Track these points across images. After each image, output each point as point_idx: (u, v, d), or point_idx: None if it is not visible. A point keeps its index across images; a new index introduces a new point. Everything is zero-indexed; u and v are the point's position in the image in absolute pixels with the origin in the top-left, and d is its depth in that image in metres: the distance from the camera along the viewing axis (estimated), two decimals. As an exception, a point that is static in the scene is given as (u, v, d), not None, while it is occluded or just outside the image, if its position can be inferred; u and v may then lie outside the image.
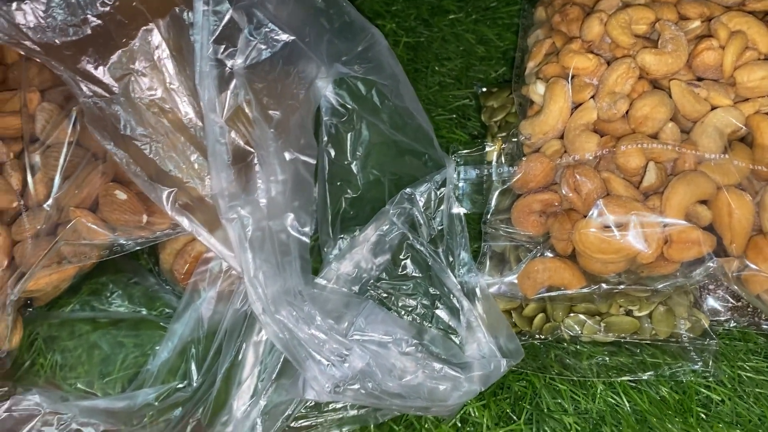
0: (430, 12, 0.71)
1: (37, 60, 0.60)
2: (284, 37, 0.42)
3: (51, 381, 0.58)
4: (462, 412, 0.53)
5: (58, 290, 0.58)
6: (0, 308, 0.53)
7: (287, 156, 0.43)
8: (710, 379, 0.53)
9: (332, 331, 0.46)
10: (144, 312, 0.59)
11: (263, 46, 0.42)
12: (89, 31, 0.45)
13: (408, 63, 0.68)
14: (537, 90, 0.54)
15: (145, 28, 0.46)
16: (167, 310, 0.58)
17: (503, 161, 0.54)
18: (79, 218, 0.52)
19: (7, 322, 0.53)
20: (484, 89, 0.65)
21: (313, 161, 0.44)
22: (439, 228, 0.52)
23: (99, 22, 0.45)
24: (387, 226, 0.51)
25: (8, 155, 0.57)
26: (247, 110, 0.42)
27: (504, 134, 0.58)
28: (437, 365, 0.47)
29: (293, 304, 0.45)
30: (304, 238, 0.44)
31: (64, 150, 0.55)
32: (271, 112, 0.42)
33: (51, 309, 0.60)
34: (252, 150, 0.44)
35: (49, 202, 0.54)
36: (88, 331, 0.58)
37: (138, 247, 0.52)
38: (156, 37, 0.46)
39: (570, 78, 0.52)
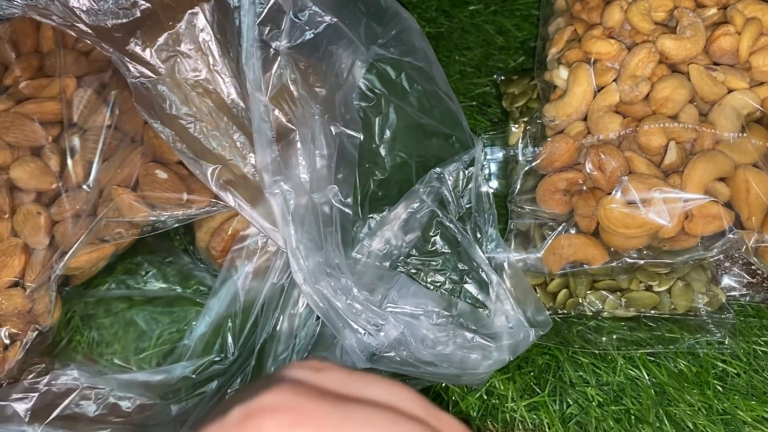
0: (451, 3, 0.73)
1: (73, 48, 0.63)
2: (327, 18, 0.44)
3: (88, 357, 0.59)
4: (488, 384, 0.56)
5: (95, 269, 0.60)
6: (44, 284, 0.55)
7: (333, 130, 0.45)
8: (726, 353, 0.56)
9: (368, 302, 0.48)
10: (179, 290, 0.61)
11: (307, 28, 0.44)
12: (138, 14, 0.47)
13: (430, 52, 0.71)
14: (560, 75, 0.56)
15: (190, 11, 0.48)
16: (201, 288, 0.60)
17: (528, 143, 0.56)
18: (122, 195, 0.53)
19: (50, 298, 0.55)
20: (504, 77, 0.67)
21: (358, 135, 0.46)
22: (467, 206, 0.54)
23: (147, 5, 0.47)
24: (417, 204, 0.53)
25: (47, 139, 0.59)
26: (292, 88, 0.44)
27: (526, 119, 0.60)
28: (468, 334, 0.49)
29: (332, 275, 0.47)
30: (346, 210, 0.46)
31: (103, 133, 0.57)
32: (317, 89, 0.44)
33: (87, 288, 0.61)
34: (294, 128, 0.46)
35: (90, 182, 0.56)
36: (123, 308, 0.60)
37: (177, 224, 0.54)
38: (201, 20, 0.48)
39: (592, 63, 0.54)
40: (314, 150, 0.44)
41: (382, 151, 0.58)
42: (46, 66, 0.62)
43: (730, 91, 0.52)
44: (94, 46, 0.62)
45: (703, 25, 0.53)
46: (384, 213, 0.55)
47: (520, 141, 0.56)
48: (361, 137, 0.46)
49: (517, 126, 0.57)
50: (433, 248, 0.54)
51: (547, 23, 0.63)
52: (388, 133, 0.58)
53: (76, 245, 0.54)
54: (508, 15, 0.73)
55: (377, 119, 0.58)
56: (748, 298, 0.56)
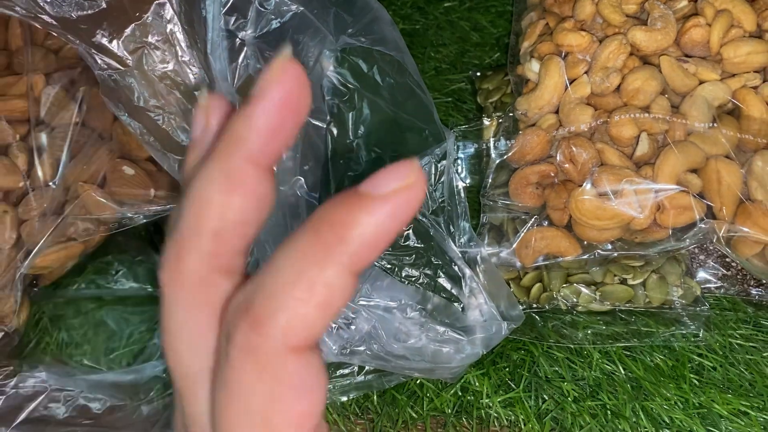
0: (425, 0, 0.73)
1: (42, 45, 0.62)
2: (293, 7, 0.44)
3: (57, 358, 0.58)
4: (462, 380, 0.55)
5: (64, 269, 0.59)
6: (8, 283, 0.54)
7: (298, 119, 0.44)
8: (702, 347, 0.55)
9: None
10: (149, 289, 0.60)
11: (273, 17, 0.44)
12: (104, 5, 0.46)
13: (405, 49, 0.70)
14: (532, 68, 0.56)
15: (157, 2, 0.47)
16: (173, 287, 0.59)
17: (500, 137, 0.56)
18: (88, 192, 0.53)
19: (16, 297, 0.54)
20: (479, 73, 0.67)
21: (322, 125, 0.46)
22: (440, 200, 0.54)
23: (113, -5, 0.46)
24: (389, 199, 0.53)
25: (14, 137, 0.58)
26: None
27: (500, 114, 0.60)
28: (440, 328, 0.48)
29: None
30: (313, 201, 0.46)
31: (70, 131, 0.56)
32: (282, 78, 0.43)
33: (56, 288, 0.60)
34: (261, 119, 0.45)
35: (57, 180, 0.55)
36: (93, 308, 0.59)
37: (145, 220, 0.53)
38: (168, 11, 0.47)
39: (564, 55, 0.54)
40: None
41: (357, 147, 0.58)
42: (14, 64, 0.61)
43: (701, 82, 0.52)
44: (63, 43, 0.61)
45: (674, 17, 0.53)
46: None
47: (492, 135, 0.56)
48: (325, 126, 0.45)
49: (489, 120, 0.57)
50: (407, 243, 0.54)
51: (520, 18, 0.63)
52: (362, 128, 0.58)
53: (41, 243, 0.53)
54: (483, 12, 0.73)
55: (351, 114, 0.57)
56: (723, 291, 0.56)
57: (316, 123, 0.45)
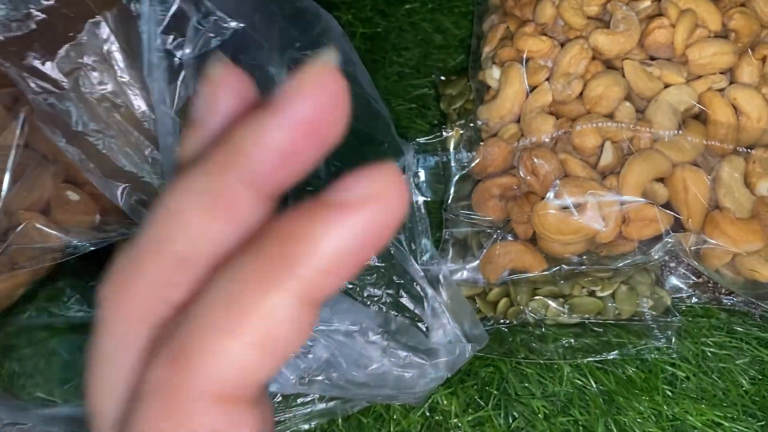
0: (386, 2, 0.71)
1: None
2: (233, 24, 0.41)
3: (9, 391, 0.56)
4: (430, 400, 0.53)
5: (13, 298, 0.57)
6: (-48, 317, 0.52)
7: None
8: (675, 357, 0.54)
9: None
10: (104, 315, 0.57)
11: (212, 35, 0.41)
12: (34, 26, 0.43)
13: (365, 54, 0.68)
14: (493, 75, 0.54)
15: (92, 20, 0.45)
16: (128, 312, 0.57)
17: (462, 148, 0.54)
18: (30, 221, 0.50)
19: (-41, 331, 0.52)
20: (443, 78, 0.65)
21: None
22: (401, 216, 0.52)
23: (43, 16, 0.43)
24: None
25: (-47, 159, 0.55)
26: (198, 101, 0.41)
27: (462, 121, 0.58)
28: (402, 353, 0.46)
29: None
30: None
31: (13, 153, 0.53)
32: (221, 101, 0.41)
33: (5, 317, 0.58)
34: (206, 142, 0.43)
35: None
36: (46, 337, 0.56)
37: (92, 248, 0.51)
38: (104, 30, 0.45)
39: (524, 61, 0.52)
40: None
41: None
42: (-48, 81, 0.59)
43: (666, 86, 0.50)
44: (7, 60, 0.58)
45: (638, 18, 0.52)
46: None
47: (453, 147, 0.54)
48: None
49: (451, 130, 0.55)
50: (367, 262, 0.52)
51: (482, 20, 0.60)
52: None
53: (-17, 275, 0.50)
54: (447, 13, 0.70)
55: (307, 127, 0.55)
56: (695, 299, 0.55)
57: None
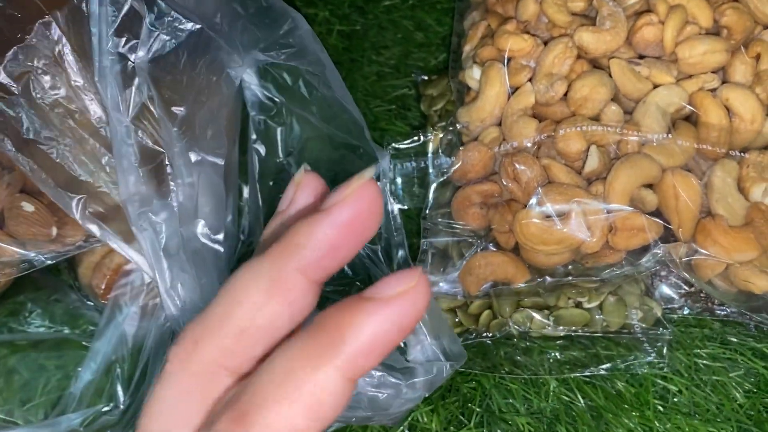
0: (365, -1, 0.68)
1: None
2: (189, 25, 0.38)
3: (-33, 411, 0.53)
4: (410, 418, 0.51)
5: (-29, 312, 0.54)
6: None
7: (193, 157, 0.39)
8: (666, 370, 0.51)
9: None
10: (66, 331, 0.55)
11: (167, 37, 0.38)
12: (-24, 27, 0.41)
13: (343, 52, 0.65)
14: (473, 75, 0.51)
15: (41, 21, 0.42)
16: (91, 328, 0.54)
17: (441, 152, 0.51)
18: (-17, 234, 0.47)
19: None
20: (424, 77, 0.62)
21: (221, 162, 0.41)
22: (376, 226, 0.49)
23: (-13, 16, 0.41)
24: (321, 226, 0.48)
25: None
26: (151, 108, 0.38)
27: (443, 124, 0.55)
28: (377, 372, 0.44)
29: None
30: (217, 247, 0.41)
31: (-35, 162, 0.50)
32: (174, 108, 0.38)
33: (-36, 334, 0.55)
34: (162, 150, 0.40)
35: (-47, 217, 0.50)
36: (5, 354, 0.54)
37: (49, 262, 0.48)
38: (55, 31, 0.42)
39: (506, 61, 0.49)
40: (177, 178, 0.38)
41: (288, 166, 0.53)
42: None
43: (655, 86, 0.48)
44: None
45: (625, 14, 0.49)
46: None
47: (432, 151, 0.51)
48: (223, 163, 0.40)
49: (430, 134, 0.52)
50: (342, 275, 0.49)
51: (462, 17, 0.58)
52: (292, 145, 0.53)
53: (-66, 291, 0.47)
54: (428, 9, 0.68)
55: (279, 130, 0.52)
56: (687, 310, 0.52)
57: (213, 159, 0.40)
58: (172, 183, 0.40)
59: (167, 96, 0.37)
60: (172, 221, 0.40)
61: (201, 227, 0.40)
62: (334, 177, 0.53)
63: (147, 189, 0.40)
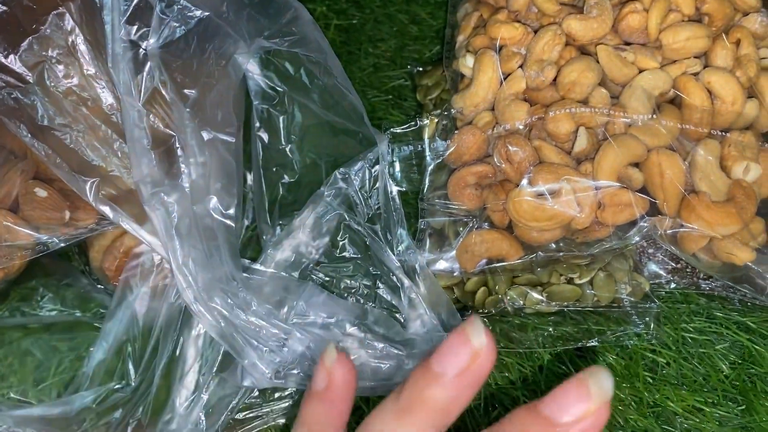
0: (362, -7, 0.70)
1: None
2: (198, 13, 0.41)
3: (-19, 393, 0.55)
4: (410, 392, 0.53)
5: (-17, 298, 0.56)
6: None
7: (205, 136, 0.41)
8: (655, 343, 0.54)
9: (270, 316, 0.45)
10: (78, 314, 0.56)
11: (177, 24, 0.41)
12: (-6, 19, 0.43)
13: (341, 45, 0.67)
14: (467, 63, 0.53)
15: (55, 12, 0.44)
16: (102, 311, 0.56)
17: (437, 137, 0.53)
18: (-1, 219, 0.49)
19: (-70, 332, 0.51)
20: (419, 69, 0.65)
21: (232, 139, 0.43)
22: (376, 207, 0.51)
23: (4, 8, 0.43)
24: (323, 209, 0.50)
25: None
26: (163, 91, 0.40)
27: (438, 112, 0.58)
28: (379, 344, 0.46)
29: (227, 290, 0.44)
30: (228, 222, 0.43)
31: (-20, 150, 0.52)
32: (186, 91, 0.40)
33: (-23, 319, 0.57)
34: (173, 133, 0.42)
35: (-32, 204, 0.52)
36: (18, 337, 0.55)
37: (62, 245, 0.50)
38: (68, 22, 0.44)
39: (498, 48, 0.51)
40: (189, 158, 0.40)
41: (290, 153, 0.55)
42: None
43: (640, 71, 0.50)
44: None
45: (610, 3, 0.51)
46: (292, 220, 0.52)
47: (428, 136, 0.53)
48: (234, 140, 0.43)
49: (427, 119, 0.54)
50: (343, 253, 0.51)
51: (455, 9, 0.60)
52: (294, 132, 0.55)
53: (-48, 274, 0.49)
54: (422, 3, 0.70)
55: (282, 119, 0.55)
56: (674, 285, 0.54)
57: (224, 137, 0.42)
58: (183, 164, 0.42)
59: (179, 79, 0.39)
60: (182, 201, 0.42)
61: (213, 203, 0.42)
62: (334, 161, 0.56)
63: (159, 170, 0.42)
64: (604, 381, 0.20)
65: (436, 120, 0.56)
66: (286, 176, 0.55)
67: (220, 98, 0.42)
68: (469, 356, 0.22)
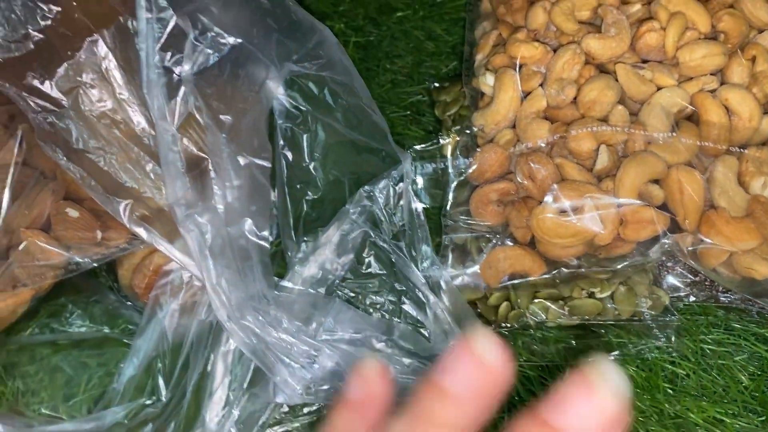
0: (378, 10, 0.71)
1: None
2: (231, 40, 0.42)
3: (14, 408, 0.56)
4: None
5: (15, 315, 0.57)
6: (-44, 336, 0.52)
7: (241, 161, 0.42)
8: (674, 355, 0.55)
9: (300, 333, 0.46)
10: (106, 330, 0.58)
11: (210, 51, 0.42)
12: (32, 46, 0.44)
13: (359, 62, 0.69)
14: (487, 81, 0.54)
15: (90, 39, 0.45)
16: (130, 327, 0.57)
17: (459, 154, 0.54)
18: (31, 239, 0.50)
19: (-35, 350, 0.52)
20: (436, 84, 0.66)
21: (268, 164, 0.44)
22: (400, 224, 0.52)
23: (41, 36, 0.44)
24: (348, 226, 0.51)
25: (-51, 178, 0.55)
26: (198, 117, 0.41)
27: (458, 127, 0.59)
28: (406, 360, 0.47)
29: (258, 308, 0.45)
30: (263, 243, 0.44)
31: (11, 171, 0.53)
32: (222, 117, 0.41)
33: (8, 335, 0.58)
34: (206, 156, 0.44)
35: (-1, 224, 0.53)
36: (48, 354, 0.57)
37: (94, 264, 0.51)
38: (102, 48, 0.45)
39: (518, 67, 0.53)
40: (224, 182, 0.41)
41: (314, 170, 0.56)
42: (-54, 101, 0.59)
43: (658, 88, 0.51)
44: None
45: (628, 21, 0.52)
46: (317, 235, 0.53)
47: (450, 153, 0.54)
48: (270, 165, 0.44)
49: (448, 137, 0.56)
50: (369, 270, 0.52)
51: (473, 27, 0.61)
52: (318, 150, 0.56)
53: (-12, 294, 0.50)
54: (438, 19, 0.71)
55: (305, 137, 0.56)
56: (692, 298, 0.55)
57: (260, 162, 0.43)
58: (217, 186, 0.43)
59: (214, 105, 0.40)
60: (216, 222, 0.43)
61: (248, 225, 0.43)
62: (357, 179, 0.57)
63: (192, 192, 0.43)
64: (609, 373, 0.18)
65: (457, 137, 0.57)
66: (309, 193, 0.56)
67: (255, 123, 0.43)
68: (479, 368, 0.20)
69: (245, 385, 0.49)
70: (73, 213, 0.51)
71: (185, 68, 0.42)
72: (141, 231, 0.45)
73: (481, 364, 0.20)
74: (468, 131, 0.54)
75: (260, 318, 0.45)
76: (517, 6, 0.56)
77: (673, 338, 0.53)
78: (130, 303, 0.58)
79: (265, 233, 0.44)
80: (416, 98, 0.67)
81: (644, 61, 0.53)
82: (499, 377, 0.20)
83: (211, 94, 0.41)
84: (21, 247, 0.50)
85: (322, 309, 0.49)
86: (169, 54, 0.42)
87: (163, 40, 0.42)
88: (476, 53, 0.58)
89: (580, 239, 0.47)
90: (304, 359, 0.46)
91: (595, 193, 0.47)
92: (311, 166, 0.56)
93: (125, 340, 0.56)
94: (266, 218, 0.44)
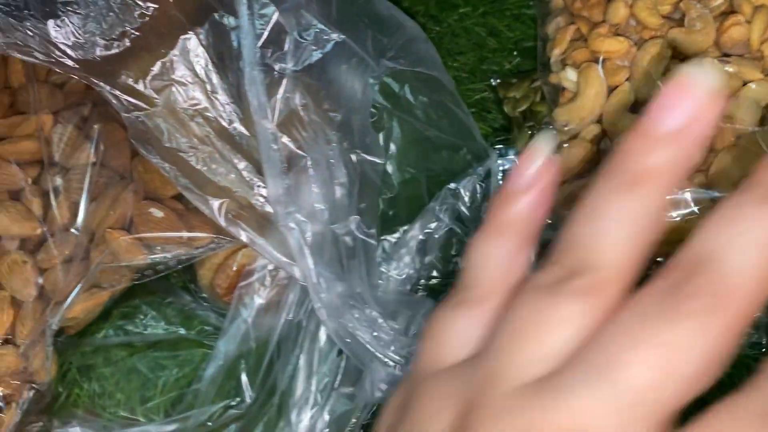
0: (438, 8, 0.71)
1: (46, 81, 0.58)
2: (335, 36, 0.41)
3: (90, 411, 0.56)
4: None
5: (90, 317, 0.57)
6: (38, 340, 0.51)
7: (353, 157, 0.42)
8: None
9: (395, 331, 0.46)
10: (182, 331, 0.57)
11: (314, 47, 0.41)
12: (128, 44, 0.43)
13: (423, 60, 0.68)
14: (568, 76, 0.54)
15: (183, 36, 0.45)
16: (206, 328, 0.57)
17: (541, 150, 0.54)
18: (118, 239, 0.50)
19: (47, 353, 0.51)
20: (501, 81, 0.65)
21: (380, 161, 0.44)
22: (486, 221, 0.52)
23: (138, 33, 0.43)
24: (434, 224, 0.51)
25: (26, 180, 0.55)
26: (302, 114, 0.41)
27: (531, 124, 0.58)
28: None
29: (356, 307, 0.44)
30: (370, 240, 0.44)
31: (88, 172, 0.53)
32: (332, 114, 0.41)
33: (82, 337, 0.58)
34: (304, 154, 0.43)
35: (78, 225, 0.53)
36: (124, 356, 0.56)
37: (179, 265, 0.51)
38: (195, 46, 0.45)
39: (601, 62, 0.52)
40: (331, 178, 0.41)
41: (389, 168, 0.56)
42: (18, 102, 0.58)
43: (745, 83, 0.51)
44: (67, 78, 0.58)
45: (711, 15, 0.52)
46: (397, 234, 0.52)
47: (530, 149, 0.54)
48: (385, 162, 0.43)
49: (528, 134, 0.55)
50: (455, 268, 0.52)
51: (544, 23, 0.61)
52: (393, 148, 0.55)
53: (72, 295, 0.50)
54: (499, 16, 0.70)
55: (380, 134, 0.55)
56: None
57: (373, 159, 0.43)
58: (314, 185, 0.43)
59: (324, 103, 0.40)
60: (316, 220, 0.43)
61: (356, 222, 0.43)
62: (435, 177, 0.56)
63: (293, 190, 0.43)
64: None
65: (529, 133, 0.57)
66: (386, 191, 0.55)
67: (362, 121, 0.43)
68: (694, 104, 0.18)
69: (335, 385, 0.49)
70: (157, 213, 0.50)
71: (288, 65, 0.41)
72: (237, 230, 0.45)
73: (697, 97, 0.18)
74: (551, 127, 0.54)
75: (357, 316, 0.44)
76: (594, 1, 0.56)
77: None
78: (206, 303, 0.57)
79: (373, 230, 0.44)
80: (481, 95, 0.66)
81: (725, 55, 0.53)
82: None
83: (318, 91, 0.41)
84: (107, 248, 0.50)
85: (410, 307, 0.49)
86: (270, 50, 0.42)
87: (264, 37, 0.42)
88: (552, 49, 0.57)
89: (677, 235, 0.47)
90: (400, 357, 0.46)
91: (688, 187, 0.47)
92: (387, 165, 0.55)
93: (203, 341, 0.55)
94: (375, 215, 0.44)
